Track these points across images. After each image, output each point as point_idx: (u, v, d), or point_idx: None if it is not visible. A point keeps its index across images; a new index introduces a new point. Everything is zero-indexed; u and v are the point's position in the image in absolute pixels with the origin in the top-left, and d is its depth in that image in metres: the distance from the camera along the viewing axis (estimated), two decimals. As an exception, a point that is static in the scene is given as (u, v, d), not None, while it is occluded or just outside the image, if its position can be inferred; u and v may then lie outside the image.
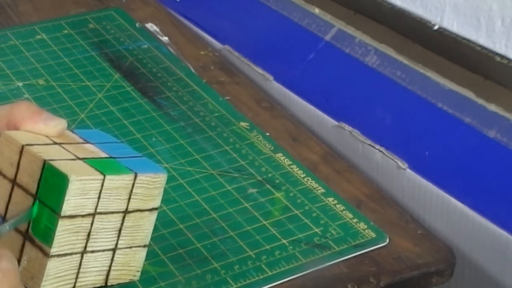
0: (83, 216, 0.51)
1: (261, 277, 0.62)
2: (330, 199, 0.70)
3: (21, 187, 0.52)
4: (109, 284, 0.56)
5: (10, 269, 0.48)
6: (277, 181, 0.72)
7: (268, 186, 0.71)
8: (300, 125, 0.81)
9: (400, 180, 0.75)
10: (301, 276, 0.63)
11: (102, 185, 0.52)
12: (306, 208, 0.69)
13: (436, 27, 0.74)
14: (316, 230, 0.67)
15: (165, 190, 0.60)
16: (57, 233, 0.50)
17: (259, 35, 0.93)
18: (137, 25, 0.93)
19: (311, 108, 0.83)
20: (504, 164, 0.70)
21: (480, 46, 0.71)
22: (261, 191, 0.70)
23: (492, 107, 0.72)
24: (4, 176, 0.53)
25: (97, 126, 0.77)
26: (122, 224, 0.54)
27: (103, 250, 0.54)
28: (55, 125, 0.55)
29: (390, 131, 0.78)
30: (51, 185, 0.50)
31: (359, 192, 0.72)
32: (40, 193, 0.51)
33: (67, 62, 0.86)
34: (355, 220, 0.68)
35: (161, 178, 0.57)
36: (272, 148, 0.76)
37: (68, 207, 0.50)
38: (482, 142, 0.71)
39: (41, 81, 0.83)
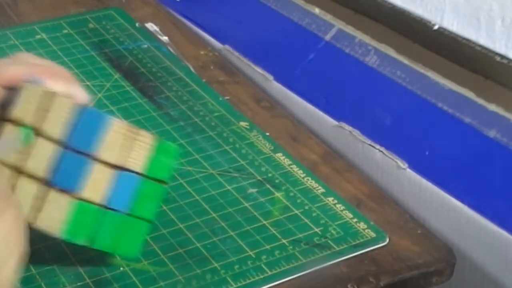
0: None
1: (261, 277, 0.62)
2: (330, 199, 0.70)
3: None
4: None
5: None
6: (277, 181, 0.72)
7: (268, 186, 0.71)
8: (300, 125, 0.81)
9: (400, 180, 0.75)
10: (301, 276, 0.63)
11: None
12: (306, 208, 0.69)
13: (436, 27, 0.74)
14: (316, 230, 0.67)
15: (165, 189, 0.60)
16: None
17: (259, 35, 0.92)
18: (137, 25, 0.93)
19: (311, 108, 0.83)
20: (504, 164, 0.70)
21: (480, 46, 0.71)
22: (261, 191, 0.70)
23: (492, 107, 0.72)
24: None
25: (97, 125, 0.77)
26: None
27: None
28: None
29: (390, 131, 0.78)
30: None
31: (358, 192, 0.72)
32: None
33: (67, 62, 0.86)
34: (355, 220, 0.68)
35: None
36: (272, 148, 0.76)
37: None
38: (482, 142, 0.71)
39: (41, 81, 0.82)
